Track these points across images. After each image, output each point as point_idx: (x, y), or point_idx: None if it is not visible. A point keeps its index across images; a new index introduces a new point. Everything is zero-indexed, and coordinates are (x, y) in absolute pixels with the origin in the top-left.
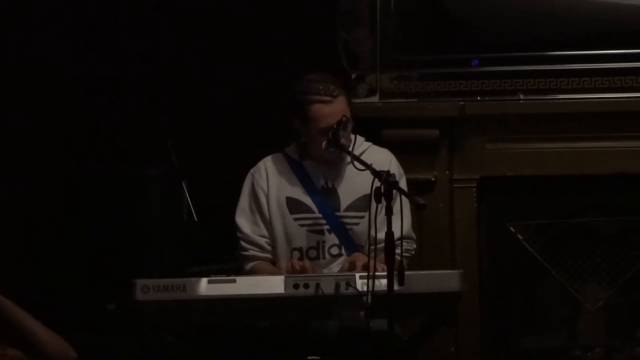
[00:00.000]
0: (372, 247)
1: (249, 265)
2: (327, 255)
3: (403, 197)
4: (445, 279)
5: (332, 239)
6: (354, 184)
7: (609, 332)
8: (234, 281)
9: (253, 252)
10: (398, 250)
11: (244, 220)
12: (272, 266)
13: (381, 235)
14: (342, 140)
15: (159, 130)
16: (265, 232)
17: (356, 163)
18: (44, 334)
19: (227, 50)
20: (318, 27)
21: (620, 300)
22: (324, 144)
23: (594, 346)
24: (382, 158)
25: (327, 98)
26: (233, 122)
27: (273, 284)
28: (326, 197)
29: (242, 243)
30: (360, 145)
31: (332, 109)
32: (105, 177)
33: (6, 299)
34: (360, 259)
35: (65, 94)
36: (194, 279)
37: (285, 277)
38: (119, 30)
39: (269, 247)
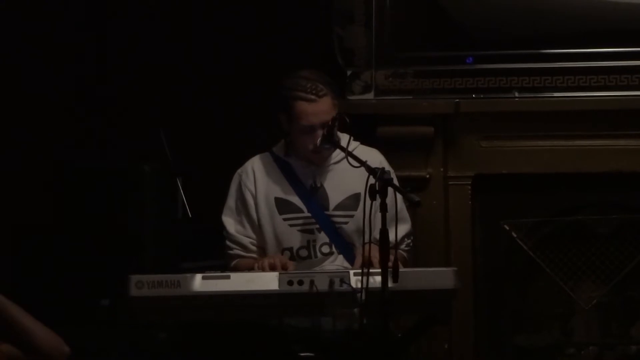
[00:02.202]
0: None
1: (232, 263)
2: (318, 254)
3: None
4: (439, 277)
5: (322, 237)
6: (342, 183)
7: (602, 330)
8: (228, 277)
9: (237, 251)
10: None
11: (230, 220)
12: (254, 262)
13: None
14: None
15: (153, 125)
16: (250, 233)
17: (351, 160)
18: (38, 329)
19: (223, 47)
20: (314, 23)
21: (614, 298)
22: (318, 140)
23: (588, 344)
24: (373, 157)
25: (312, 97)
26: (228, 118)
27: (267, 281)
28: (315, 196)
29: (227, 242)
30: (349, 144)
31: (315, 108)
32: (99, 172)
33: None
34: (375, 254)
35: (61, 89)
36: (188, 274)
37: (280, 273)
38: (118, 26)
39: (253, 248)
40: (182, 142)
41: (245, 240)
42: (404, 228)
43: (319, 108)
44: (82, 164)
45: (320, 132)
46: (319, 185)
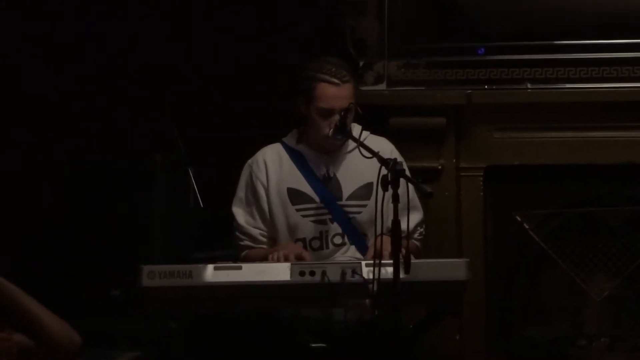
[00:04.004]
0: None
1: (242, 254)
2: (330, 245)
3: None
4: (451, 268)
5: (335, 228)
6: (355, 172)
7: (614, 322)
8: (240, 268)
9: (247, 242)
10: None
11: (240, 211)
12: (265, 251)
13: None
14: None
15: (165, 116)
16: (260, 225)
17: (363, 151)
18: (49, 319)
19: (235, 37)
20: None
21: (626, 291)
22: (330, 131)
23: (599, 336)
24: (384, 147)
25: (336, 80)
26: (240, 109)
27: (279, 271)
28: (328, 186)
29: (237, 233)
30: (360, 135)
31: (337, 91)
32: (112, 164)
33: (11, 284)
34: (387, 246)
35: (72, 79)
36: (200, 265)
37: (292, 264)
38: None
39: (262, 239)
40: (194, 132)
41: (255, 232)
42: (416, 217)
43: (341, 93)
44: (95, 154)
45: (337, 118)
46: (331, 175)
